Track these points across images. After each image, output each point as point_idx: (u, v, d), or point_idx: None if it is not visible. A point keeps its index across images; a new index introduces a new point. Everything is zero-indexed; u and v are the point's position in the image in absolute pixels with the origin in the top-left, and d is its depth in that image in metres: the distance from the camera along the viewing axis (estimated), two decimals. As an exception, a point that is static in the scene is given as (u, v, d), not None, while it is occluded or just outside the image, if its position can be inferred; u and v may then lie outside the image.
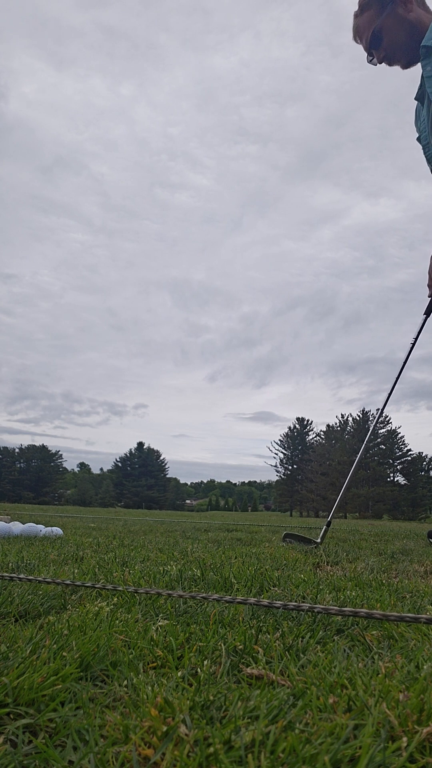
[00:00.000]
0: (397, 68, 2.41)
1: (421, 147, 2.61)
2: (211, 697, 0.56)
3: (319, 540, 2.66)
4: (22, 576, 1.23)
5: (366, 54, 2.40)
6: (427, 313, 2.85)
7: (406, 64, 2.36)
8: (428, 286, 2.72)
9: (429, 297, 2.79)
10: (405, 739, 0.48)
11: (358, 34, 2.39)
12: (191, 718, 0.52)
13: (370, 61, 2.40)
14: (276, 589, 1.26)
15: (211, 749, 0.45)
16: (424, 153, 2.60)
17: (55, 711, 0.55)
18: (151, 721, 0.51)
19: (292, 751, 0.45)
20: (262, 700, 0.55)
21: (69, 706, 0.56)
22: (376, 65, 2.40)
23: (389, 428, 55.04)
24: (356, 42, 2.42)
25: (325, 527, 2.77)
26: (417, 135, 2.61)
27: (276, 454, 59.31)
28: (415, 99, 2.49)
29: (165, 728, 0.49)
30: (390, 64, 2.38)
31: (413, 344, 2.94)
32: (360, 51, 2.41)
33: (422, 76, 2.37)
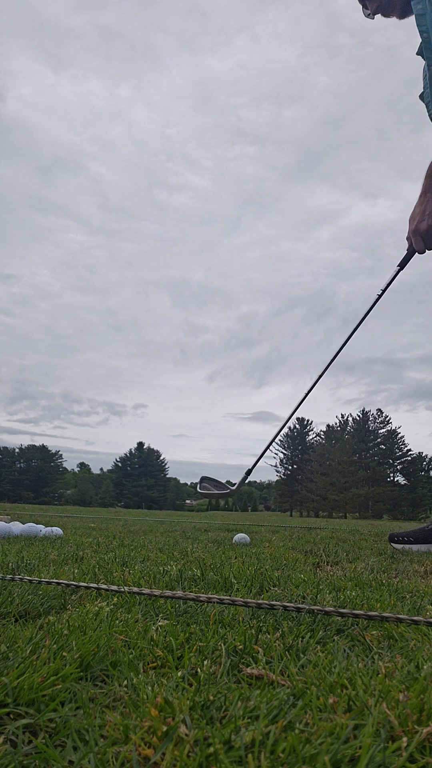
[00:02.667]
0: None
1: (424, 105, 2.47)
2: (211, 697, 0.56)
3: (234, 487, 2.69)
4: (23, 576, 1.23)
5: (361, 8, 2.31)
6: (400, 266, 2.59)
7: (402, 14, 2.29)
8: (406, 238, 2.47)
9: (407, 250, 2.53)
10: (405, 739, 0.48)
11: None
12: (191, 718, 0.52)
13: (366, 15, 2.34)
14: (276, 589, 1.26)
15: (211, 749, 0.45)
16: (428, 111, 2.44)
17: (55, 711, 0.55)
18: (151, 721, 0.51)
19: (292, 751, 0.45)
20: (262, 700, 0.55)
21: (69, 706, 0.56)
22: (372, 19, 2.33)
23: (389, 428, 55.06)
24: None
25: (244, 475, 2.78)
26: (421, 91, 2.48)
27: (276, 454, 59.26)
28: (417, 54, 2.37)
29: (165, 728, 0.49)
30: (385, 15, 2.30)
31: (380, 296, 2.69)
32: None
33: (415, 16, 2.24)
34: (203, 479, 2.81)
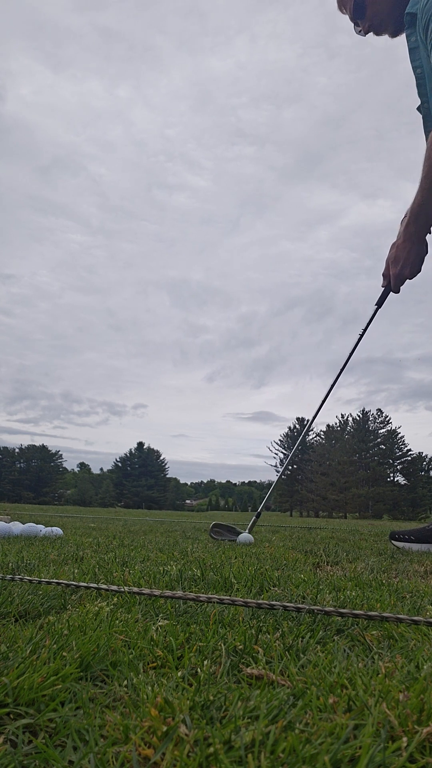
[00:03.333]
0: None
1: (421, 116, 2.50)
2: (211, 697, 0.56)
3: (246, 531, 2.65)
4: (23, 576, 1.23)
5: (352, 25, 2.32)
6: (378, 304, 2.66)
7: (394, 33, 2.28)
8: (383, 275, 2.52)
9: (382, 287, 2.59)
10: (405, 739, 0.48)
11: (342, 4, 2.30)
12: (191, 718, 0.52)
13: (357, 32, 2.33)
14: (276, 589, 1.26)
15: (211, 749, 0.45)
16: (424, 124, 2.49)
17: (55, 711, 0.55)
18: (151, 721, 0.51)
19: (292, 751, 0.45)
20: (262, 700, 0.55)
21: (69, 706, 0.56)
22: (363, 36, 2.33)
23: (389, 428, 55.05)
24: (341, 12, 2.33)
25: (254, 518, 2.77)
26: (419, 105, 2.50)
27: (276, 454, 59.28)
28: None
29: (165, 728, 0.49)
30: (377, 34, 2.30)
31: (361, 335, 2.76)
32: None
33: (408, 48, 2.24)
34: (214, 525, 2.82)
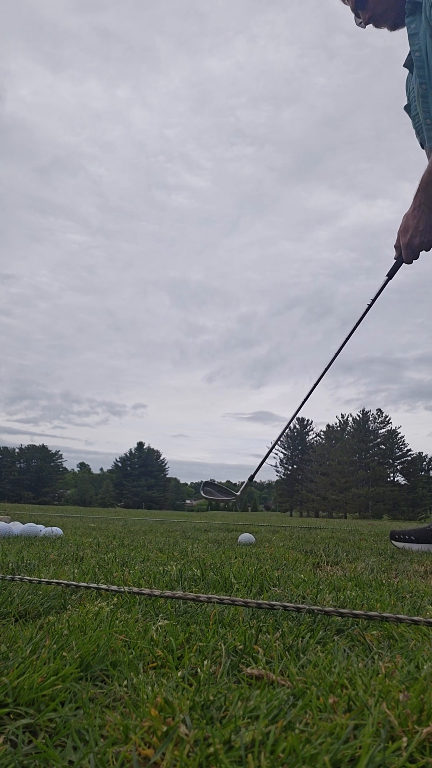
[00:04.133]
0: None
1: (409, 118, 2.51)
2: (211, 697, 0.56)
3: (238, 493, 2.66)
4: (23, 576, 1.23)
5: (353, 15, 2.33)
6: (389, 276, 2.59)
7: (393, 26, 2.30)
8: (395, 246, 2.46)
9: (395, 258, 2.52)
10: (405, 739, 0.48)
11: None
12: (191, 718, 0.52)
13: (358, 24, 2.35)
14: (276, 589, 1.26)
15: (211, 749, 0.45)
16: (413, 124, 2.51)
17: (55, 711, 0.55)
18: (151, 721, 0.51)
19: (292, 751, 0.45)
20: (262, 700, 0.55)
21: (69, 706, 0.56)
22: (364, 27, 2.35)
23: (389, 428, 55.06)
24: (343, 2, 2.34)
25: (246, 481, 2.77)
26: (406, 103, 2.47)
27: (276, 454, 59.26)
28: (404, 66, 2.40)
29: (165, 728, 0.49)
30: (377, 26, 2.31)
31: (370, 305, 2.70)
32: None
33: (408, 36, 2.26)
34: (206, 484, 2.81)
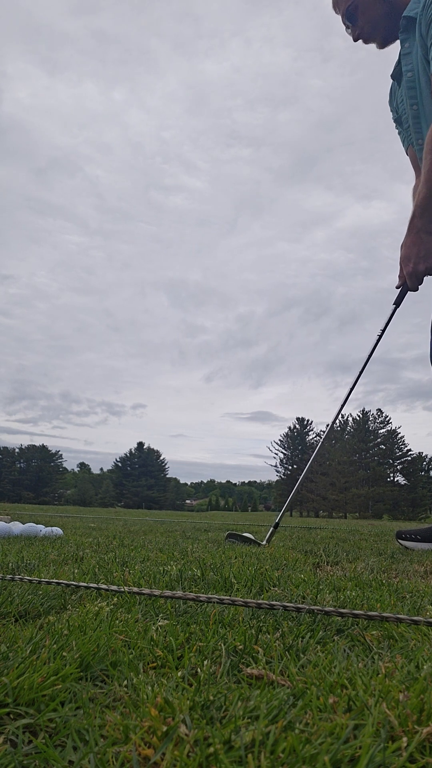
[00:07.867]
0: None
1: (397, 132, 2.53)
2: (211, 697, 0.56)
3: (264, 542, 2.57)
4: (23, 576, 1.23)
5: (345, 28, 2.35)
6: (396, 304, 2.62)
7: (383, 43, 2.32)
8: (398, 276, 2.47)
9: (397, 287, 2.54)
10: (405, 739, 0.48)
11: (336, 4, 2.33)
12: (191, 718, 0.52)
13: (349, 34, 2.37)
14: (276, 589, 1.26)
15: (211, 749, 0.45)
16: (399, 135, 2.53)
17: (55, 711, 0.55)
18: (151, 721, 0.51)
19: (292, 751, 0.45)
20: (262, 700, 0.55)
21: (69, 706, 0.56)
22: (354, 41, 2.35)
23: (389, 428, 55.09)
24: (335, 12, 2.35)
25: (272, 529, 2.72)
26: (392, 116, 2.49)
27: (276, 454, 59.29)
28: (391, 77, 2.41)
29: (165, 728, 0.49)
30: (366, 42, 2.32)
31: (380, 336, 2.73)
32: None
33: (399, 54, 2.28)
34: (229, 535, 2.78)
